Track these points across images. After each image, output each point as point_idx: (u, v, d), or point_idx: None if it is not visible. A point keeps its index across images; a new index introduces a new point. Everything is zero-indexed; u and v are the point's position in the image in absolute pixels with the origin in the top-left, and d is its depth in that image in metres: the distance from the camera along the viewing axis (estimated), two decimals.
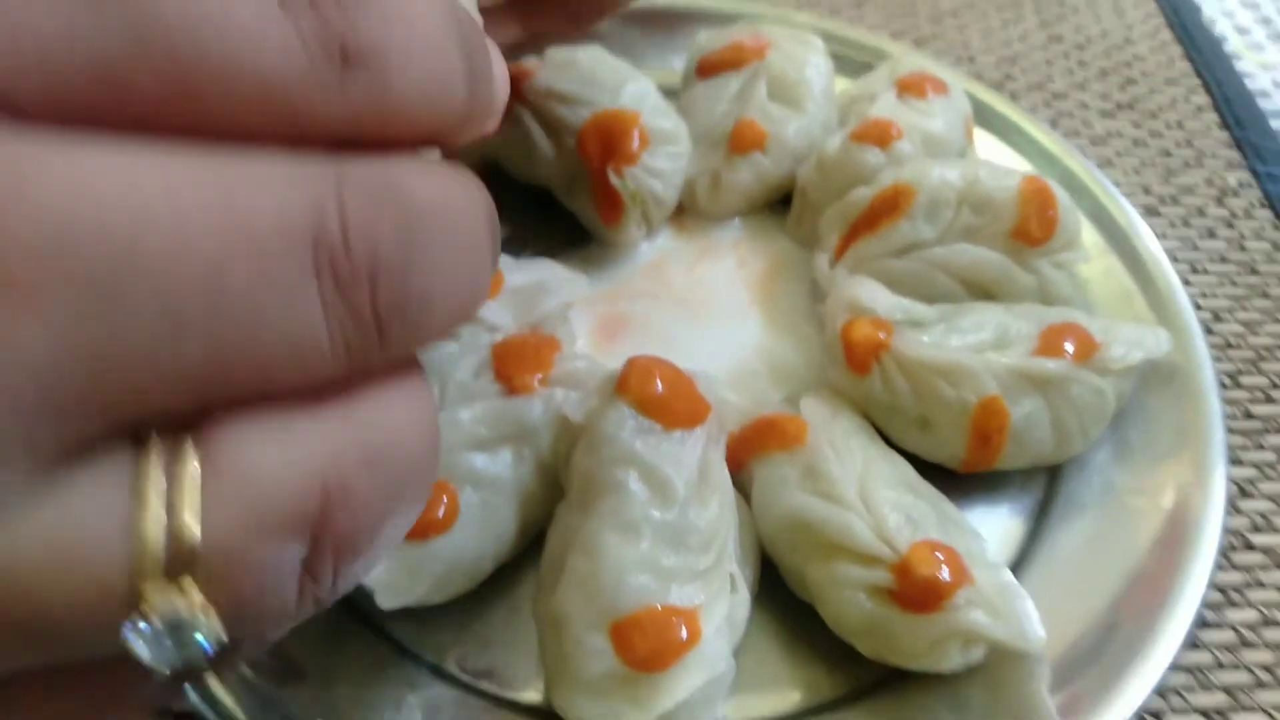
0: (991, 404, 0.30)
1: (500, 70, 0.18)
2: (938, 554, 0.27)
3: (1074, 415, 0.31)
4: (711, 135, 0.40)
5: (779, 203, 0.40)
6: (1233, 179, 0.44)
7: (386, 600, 0.27)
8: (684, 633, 0.26)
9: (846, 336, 0.31)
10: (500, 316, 0.32)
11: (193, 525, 0.14)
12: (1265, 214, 0.43)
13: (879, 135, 0.36)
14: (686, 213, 0.40)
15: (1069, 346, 0.31)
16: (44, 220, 0.12)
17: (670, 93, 0.41)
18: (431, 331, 0.16)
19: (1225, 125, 0.46)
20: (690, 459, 0.28)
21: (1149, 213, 0.42)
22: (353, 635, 0.29)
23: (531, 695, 0.28)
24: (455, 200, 0.16)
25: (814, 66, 0.40)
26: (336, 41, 0.14)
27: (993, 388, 0.30)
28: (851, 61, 0.44)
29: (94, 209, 0.13)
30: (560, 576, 0.27)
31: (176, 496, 0.14)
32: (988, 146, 0.41)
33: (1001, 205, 0.34)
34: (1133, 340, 0.32)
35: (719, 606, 0.26)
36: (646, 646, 0.25)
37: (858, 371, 0.31)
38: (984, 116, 0.42)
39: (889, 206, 0.34)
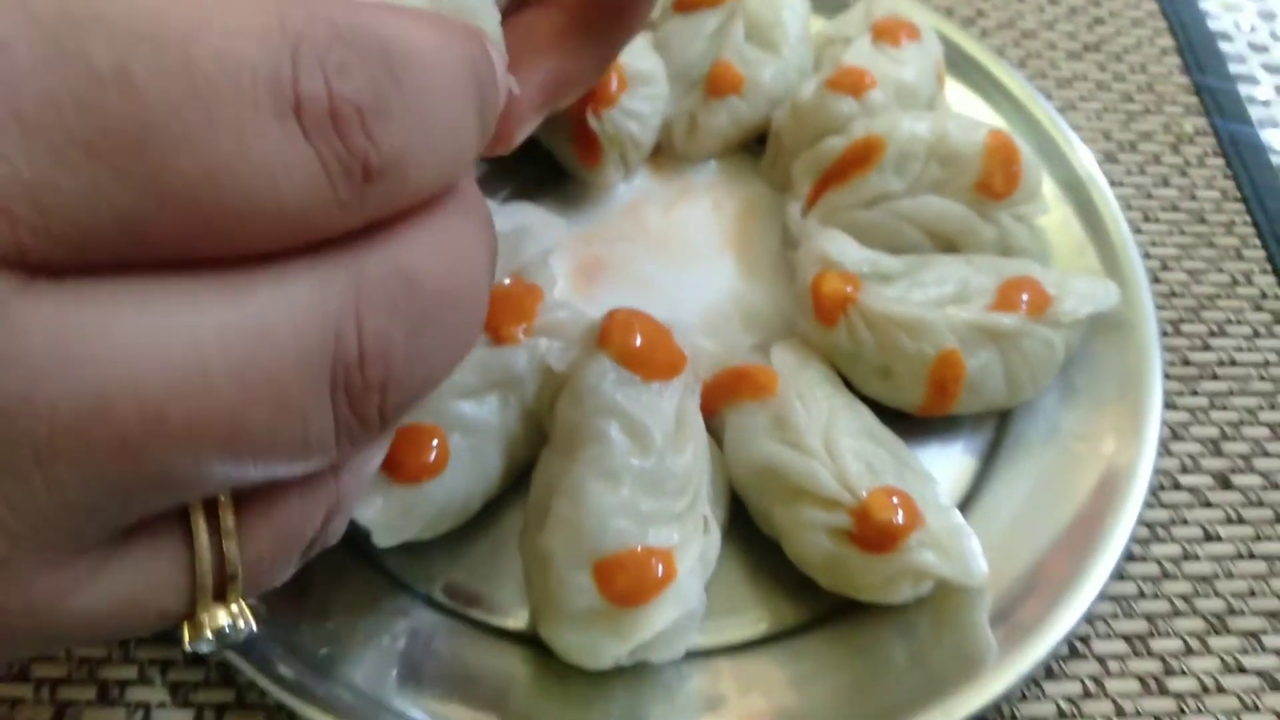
0: (949, 357, 0.32)
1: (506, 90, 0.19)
2: (894, 499, 0.29)
3: (1025, 366, 0.33)
4: (688, 75, 0.40)
5: (755, 143, 0.41)
6: (1189, 125, 0.46)
7: (382, 539, 0.29)
8: (660, 571, 0.28)
9: (816, 289, 0.33)
10: None
11: (235, 559, 0.17)
12: (1217, 162, 0.44)
13: (852, 84, 0.37)
14: (664, 154, 0.40)
15: (1024, 300, 0.33)
16: (81, 392, 0.13)
17: (648, 24, 0.41)
18: (425, 394, 0.18)
19: (1187, 69, 0.48)
20: (667, 409, 0.30)
21: (1108, 159, 0.44)
22: (349, 569, 0.31)
23: (516, 622, 0.31)
24: (463, 276, 0.17)
25: (790, 8, 0.40)
26: (359, 163, 0.15)
27: (951, 341, 0.32)
28: (828, 0, 0.44)
29: (127, 378, 0.14)
30: (546, 518, 0.29)
31: (221, 542, 0.17)
32: (957, 92, 0.42)
33: (968, 159, 0.35)
34: (1084, 294, 0.34)
35: (693, 547, 0.29)
36: (626, 584, 0.27)
37: (825, 323, 0.33)
38: (954, 60, 0.42)
39: (860, 158, 0.35)
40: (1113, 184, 0.42)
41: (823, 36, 0.42)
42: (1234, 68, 0.48)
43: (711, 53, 0.40)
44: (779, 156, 0.39)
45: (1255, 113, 0.46)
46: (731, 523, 0.32)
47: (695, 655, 0.30)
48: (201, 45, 0.14)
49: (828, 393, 0.32)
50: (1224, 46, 0.49)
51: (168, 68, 0.13)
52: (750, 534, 0.32)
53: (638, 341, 0.30)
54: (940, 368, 0.32)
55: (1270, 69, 0.49)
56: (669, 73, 0.40)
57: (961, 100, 0.42)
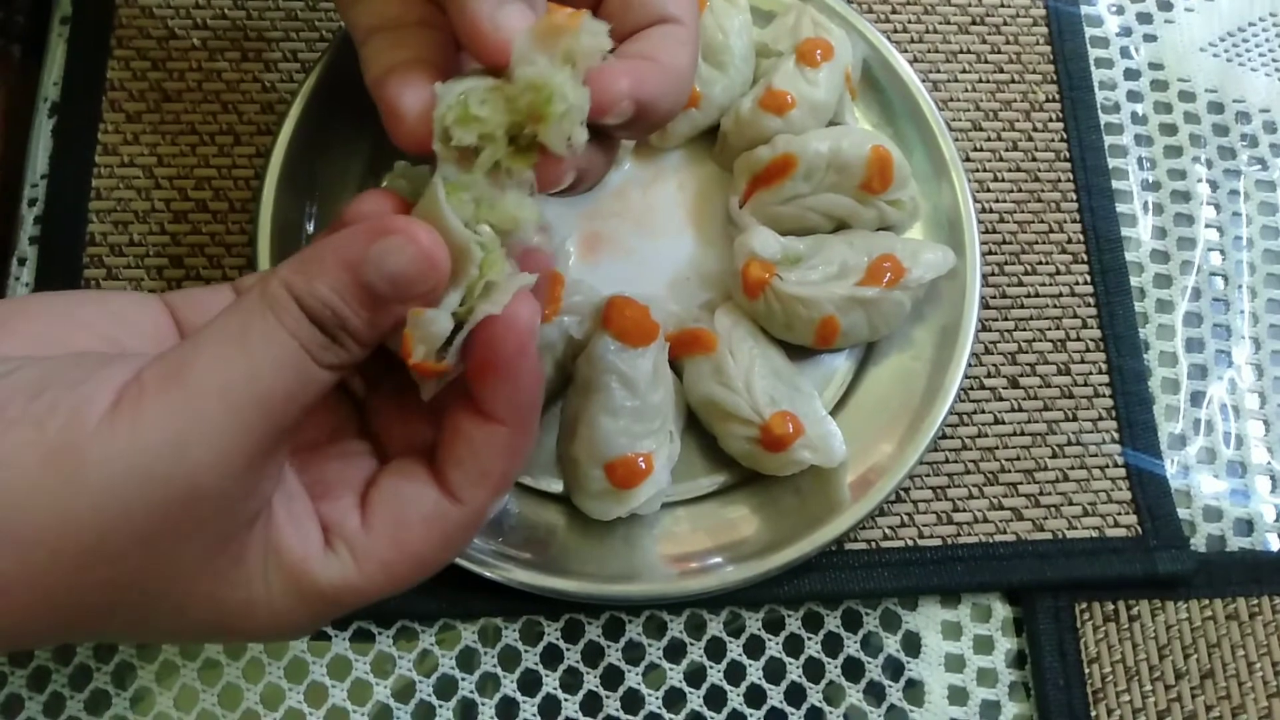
0: (829, 320, 0.49)
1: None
2: (788, 421, 0.47)
3: (883, 320, 0.50)
4: None
5: (708, 133, 0.56)
6: (1043, 94, 0.60)
7: None
8: (644, 466, 0.47)
9: (745, 275, 0.49)
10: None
11: None
12: (1058, 126, 0.59)
13: (777, 105, 0.52)
14: (642, 146, 0.55)
15: (886, 273, 0.50)
16: None
17: None
18: None
19: (1050, 39, 0.61)
20: (647, 366, 0.47)
21: (974, 127, 0.59)
22: None
23: (552, 486, 0.49)
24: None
25: (737, 33, 0.53)
26: None
27: (830, 310, 0.49)
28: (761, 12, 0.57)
29: None
30: (573, 436, 0.47)
31: None
32: (866, 95, 0.56)
33: (855, 168, 0.51)
34: (929, 263, 0.51)
35: (664, 451, 0.47)
36: (624, 475, 0.46)
37: (750, 298, 0.49)
38: (867, 60, 0.56)
39: (779, 170, 0.51)
40: (974, 149, 0.58)
41: (760, 44, 0.55)
42: (1094, 30, 0.61)
43: None
44: (725, 148, 0.54)
45: (1098, 76, 0.60)
46: (687, 428, 0.50)
47: (665, 506, 0.49)
48: None
49: (749, 346, 0.49)
50: (1086, 9, 0.62)
51: None
52: (699, 433, 0.50)
53: (628, 323, 0.47)
54: (823, 326, 0.49)
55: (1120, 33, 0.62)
56: None
57: (867, 97, 0.56)
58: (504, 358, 0.31)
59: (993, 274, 0.56)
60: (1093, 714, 0.47)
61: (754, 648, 0.48)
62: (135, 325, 0.33)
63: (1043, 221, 0.57)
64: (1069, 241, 0.57)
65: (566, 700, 0.47)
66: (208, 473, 0.26)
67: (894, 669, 0.48)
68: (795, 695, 0.48)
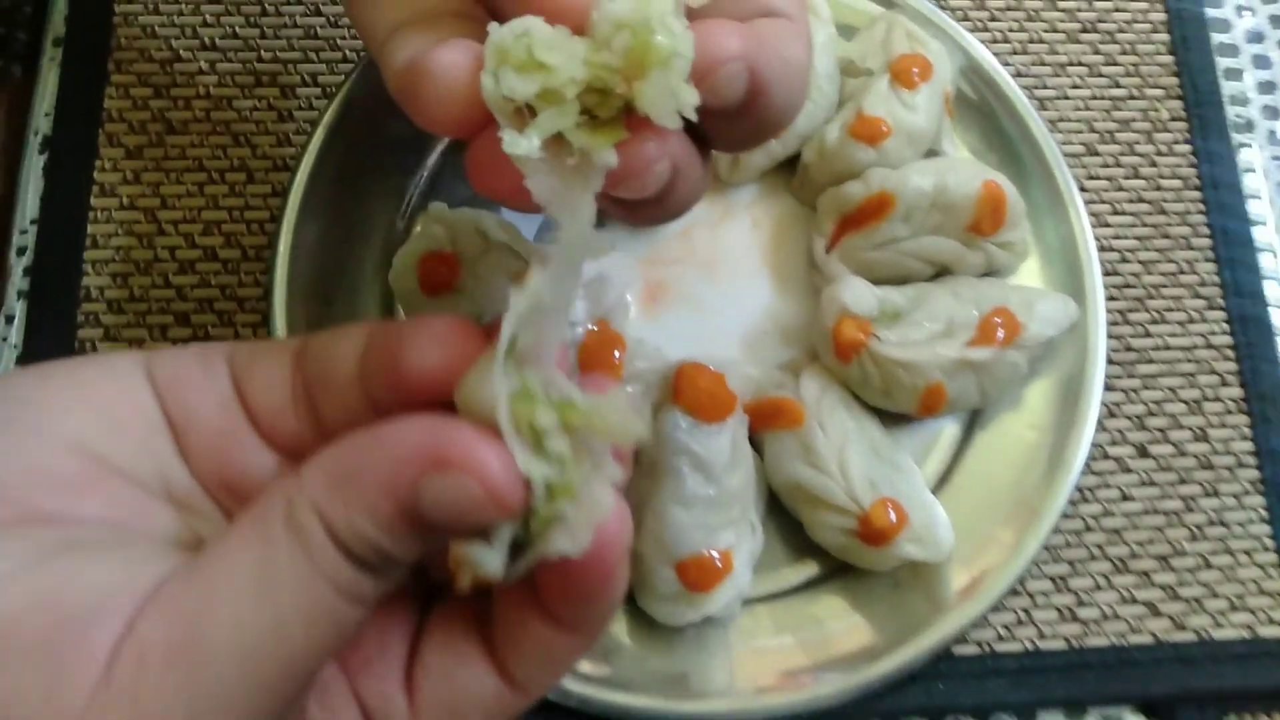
0: (935, 388, 0.42)
1: None
2: (890, 509, 0.40)
3: (995, 384, 0.43)
4: None
5: (786, 163, 0.48)
6: (1166, 111, 0.52)
7: None
8: (721, 565, 0.40)
9: (837, 335, 0.42)
10: (575, 313, 0.43)
11: None
12: (1185, 149, 0.51)
13: (870, 134, 0.44)
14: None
15: (999, 332, 0.43)
16: None
17: None
18: None
19: (1173, 49, 0.53)
20: (723, 444, 0.40)
21: (1089, 151, 0.51)
22: None
23: None
24: None
25: (821, 49, 0.46)
26: None
27: (937, 376, 0.42)
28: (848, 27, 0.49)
29: None
30: (639, 529, 0.40)
31: None
32: (964, 111, 0.49)
33: (963, 208, 0.44)
34: (1048, 318, 0.44)
35: (745, 545, 0.41)
36: (698, 577, 0.39)
37: (843, 360, 0.42)
38: (963, 71, 0.49)
39: (874, 211, 0.44)
40: (1089, 177, 0.50)
41: (845, 60, 0.48)
42: (1221, 37, 0.54)
43: None
44: (806, 181, 0.47)
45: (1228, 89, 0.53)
46: (769, 511, 0.43)
47: (743, 603, 0.42)
48: None
49: (842, 417, 0.42)
50: (1210, 12, 0.54)
51: None
52: (782, 517, 0.43)
53: (701, 396, 0.40)
54: (928, 395, 0.42)
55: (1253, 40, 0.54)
56: None
57: (965, 118, 0.49)
58: (586, 591, 0.25)
59: (1115, 323, 0.48)
60: None
61: None
62: (123, 426, 0.27)
63: (1170, 261, 0.50)
64: (1202, 284, 0.49)
65: None
66: None
67: None
68: None
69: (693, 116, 0.23)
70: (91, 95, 0.48)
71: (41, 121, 0.48)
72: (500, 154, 0.23)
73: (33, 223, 0.47)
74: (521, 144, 0.23)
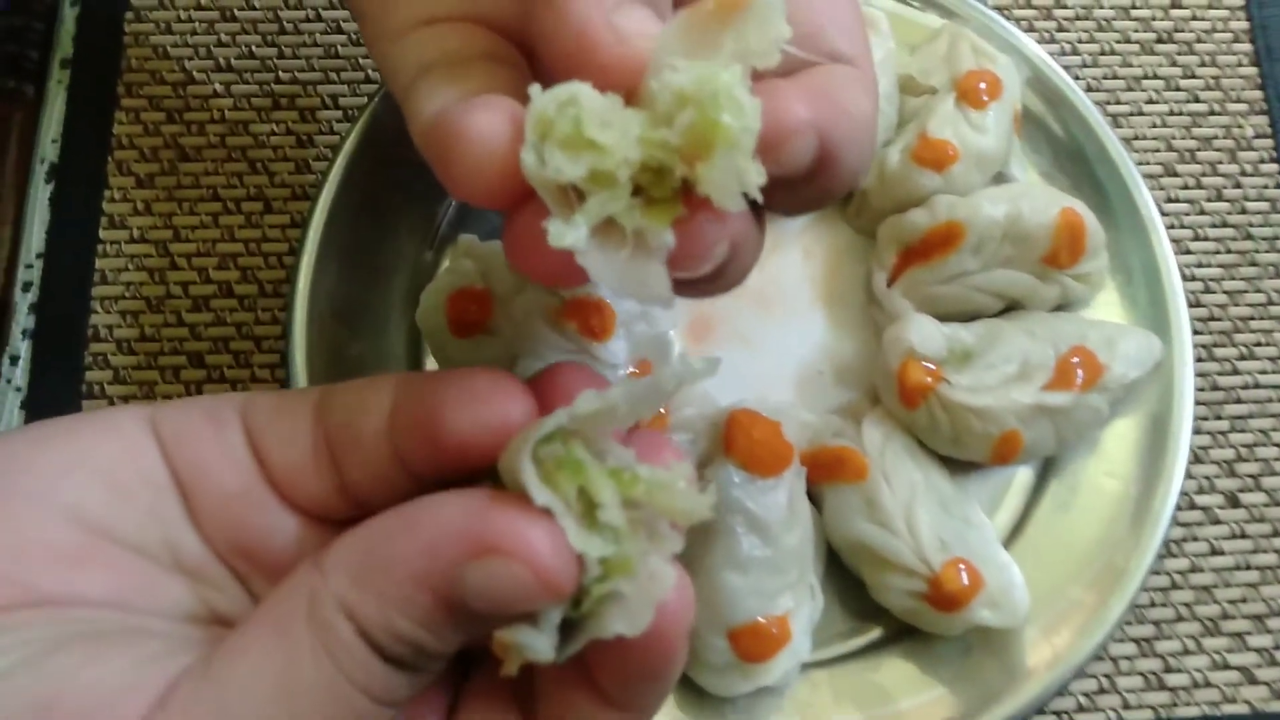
0: (1011, 436, 0.39)
1: None
2: (962, 571, 0.37)
3: (1074, 430, 0.40)
4: None
5: None
6: (1250, 128, 0.48)
7: None
8: (778, 633, 0.36)
9: (902, 379, 0.39)
10: (616, 355, 0.40)
11: None
12: (1271, 168, 0.47)
13: (935, 159, 0.41)
14: None
15: (1079, 374, 0.39)
16: None
17: None
18: None
19: (1257, 60, 0.49)
20: (780, 500, 0.37)
21: (1167, 172, 0.47)
22: None
23: None
24: None
25: (879, 66, 0.42)
26: None
27: (1012, 423, 0.38)
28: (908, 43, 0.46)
29: None
30: None
31: None
32: (1030, 124, 0.45)
33: (1038, 238, 0.40)
34: (1131, 357, 0.40)
35: (804, 610, 0.37)
36: (753, 647, 0.36)
37: (909, 406, 0.39)
38: (1031, 84, 0.45)
39: (942, 242, 0.40)
40: (1168, 200, 0.46)
41: (905, 77, 0.44)
42: None
43: None
44: (864, 208, 0.44)
45: None
46: (827, 569, 0.40)
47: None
48: None
49: (908, 468, 0.39)
50: None
51: None
52: (841, 575, 0.40)
53: (755, 448, 0.36)
54: (1002, 443, 0.39)
55: None
56: None
57: (1033, 137, 0.45)
58: (643, 672, 0.22)
59: (1199, 359, 0.44)
60: None
61: None
62: (127, 491, 0.24)
63: (1259, 290, 0.46)
64: None
65: None
66: None
67: None
68: None
69: (758, 197, 0.21)
70: (100, 120, 0.46)
71: (48, 149, 0.46)
72: (542, 233, 0.20)
73: (39, 257, 0.44)
74: (569, 236, 0.20)
